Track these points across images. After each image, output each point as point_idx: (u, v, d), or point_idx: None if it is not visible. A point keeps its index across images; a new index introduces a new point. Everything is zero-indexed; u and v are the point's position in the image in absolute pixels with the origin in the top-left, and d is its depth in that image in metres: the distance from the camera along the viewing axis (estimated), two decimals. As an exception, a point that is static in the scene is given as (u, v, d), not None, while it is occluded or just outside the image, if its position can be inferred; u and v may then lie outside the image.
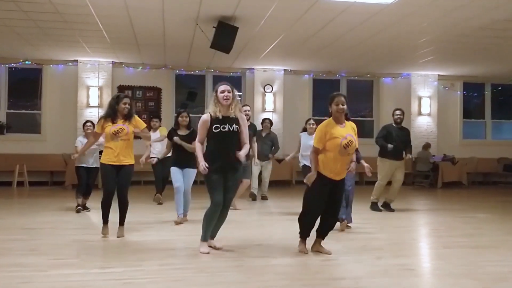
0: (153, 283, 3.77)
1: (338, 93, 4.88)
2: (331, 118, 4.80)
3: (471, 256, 4.77)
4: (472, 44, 10.45)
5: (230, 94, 4.78)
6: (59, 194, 10.40)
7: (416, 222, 7.06)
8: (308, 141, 7.59)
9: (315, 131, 7.62)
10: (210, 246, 4.90)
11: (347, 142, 4.65)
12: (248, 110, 8.27)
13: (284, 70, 13.75)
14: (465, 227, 6.60)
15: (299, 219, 4.91)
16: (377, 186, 8.15)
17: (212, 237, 5.00)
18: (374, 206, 8.14)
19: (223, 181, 4.78)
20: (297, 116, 13.06)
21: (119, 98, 5.64)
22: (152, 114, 11.15)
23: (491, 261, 4.55)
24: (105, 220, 5.53)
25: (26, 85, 13.41)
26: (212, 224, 4.85)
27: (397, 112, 8.46)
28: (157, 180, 9.24)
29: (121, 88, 13.05)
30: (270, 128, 10.07)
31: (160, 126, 9.70)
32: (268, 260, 4.52)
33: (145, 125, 5.96)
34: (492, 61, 12.30)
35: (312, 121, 7.86)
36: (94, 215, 6.98)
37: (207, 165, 4.65)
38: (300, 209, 4.82)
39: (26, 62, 12.61)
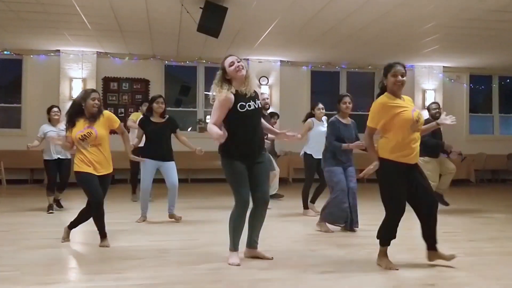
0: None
1: (398, 62, 4.05)
2: (385, 93, 3.97)
3: (502, 266, 3.96)
4: (481, 30, 9.72)
5: (241, 63, 3.97)
6: (36, 193, 9.59)
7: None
8: (318, 127, 6.91)
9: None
10: (256, 257, 4.11)
11: (418, 115, 3.85)
12: (267, 98, 7.87)
13: (281, 61, 12.95)
14: (486, 230, 5.79)
15: (382, 227, 4.01)
16: None
17: (254, 246, 4.15)
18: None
19: (251, 173, 3.96)
20: (295, 110, 12.22)
21: (87, 94, 4.69)
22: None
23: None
24: (104, 233, 4.66)
25: (5, 76, 12.60)
26: (240, 229, 4.00)
27: (433, 105, 7.57)
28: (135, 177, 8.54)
29: (107, 80, 12.26)
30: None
31: None
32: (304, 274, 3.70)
33: (119, 121, 4.95)
34: (500, 51, 11.59)
35: (321, 105, 7.16)
36: (67, 216, 6.06)
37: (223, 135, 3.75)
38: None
39: (5, 52, 11.81)
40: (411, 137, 3.84)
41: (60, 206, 7.28)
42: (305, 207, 6.97)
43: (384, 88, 4.00)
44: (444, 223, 6.35)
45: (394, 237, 3.95)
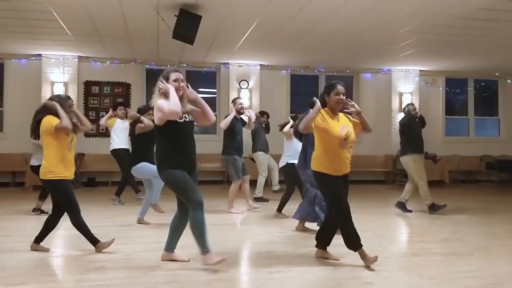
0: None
1: (338, 81, 4.37)
2: (325, 108, 4.29)
3: (441, 266, 4.23)
4: (454, 36, 9.99)
5: (184, 84, 4.12)
6: (16, 196, 9.76)
7: (388, 225, 6.51)
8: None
9: None
10: (174, 260, 4.24)
11: (347, 133, 4.19)
12: (243, 103, 8.03)
13: (260, 65, 13.19)
14: (442, 231, 6.06)
15: (342, 232, 4.25)
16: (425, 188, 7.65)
17: (173, 249, 4.29)
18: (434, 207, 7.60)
19: None
20: (275, 113, 12.43)
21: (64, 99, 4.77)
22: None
23: (462, 272, 4.02)
24: (95, 239, 4.67)
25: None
26: (205, 229, 4.02)
27: (411, 107, 8.14)
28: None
29: (88, 84, 12.43)
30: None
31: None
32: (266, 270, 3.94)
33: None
34: (475, 55, 11.88)
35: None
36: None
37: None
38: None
39: (-14, 56, 11.95)
40: (341, 153, 4.18)
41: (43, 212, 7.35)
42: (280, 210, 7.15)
43: (324, 103, 4.25)
44: (405, 224, 6.66)
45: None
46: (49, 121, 4.49)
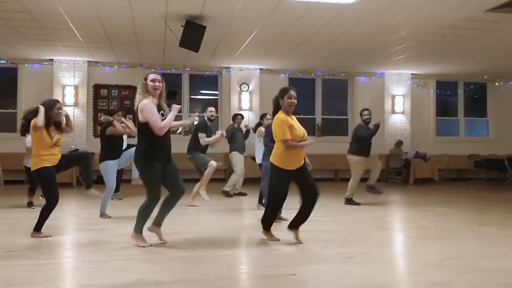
0: (97, 272, 3.89)
1: (291, 87, 5.05)
2: (280, 111, 4.91)
3: (413, 246, 4.95)
4: (444, 42, 10.68)
5: (161, 84, 4.72)
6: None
7: (374, 215, 7.19)
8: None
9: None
10: (157, 235, 4.89)
11: (304, 133, 4.86)
12: (214, 111, 8.52)
13: (260, 69, 13.91)
14: (421, 220, 6.78)
15: (265, 215, 5.02)
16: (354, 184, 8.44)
17: (159, 224, 4.91)
18: (350, 201, 8.39)
19: (167, 171, 4.72)
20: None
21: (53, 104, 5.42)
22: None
23: (429, 249, 4.71)
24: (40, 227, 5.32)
25: (2, 84, 13.46)
26: (147, 217, 4.79)
27: (365, 112, 8.67)
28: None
29: (97, 87, 13.15)
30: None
31: None
32: (213, 251, 4.65)
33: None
34: (465, 59, 12.56)
35: (269, 116, 7.78)
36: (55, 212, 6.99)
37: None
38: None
39: (2, 61, 12.65)
40: (300, 150, 4.86)
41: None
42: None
43: (279, 106, 4.94)
44: (389, 215, 7.38)
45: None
46: (33, 121, 5.26)
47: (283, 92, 4.95)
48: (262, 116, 7.99)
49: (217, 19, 8.93)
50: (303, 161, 4.95)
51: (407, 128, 14.55)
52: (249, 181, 11.85)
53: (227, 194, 9.63)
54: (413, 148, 14.26)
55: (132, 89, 13.36)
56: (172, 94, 13.44)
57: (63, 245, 5.03)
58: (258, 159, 7.81)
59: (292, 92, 4.93)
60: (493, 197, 10.35)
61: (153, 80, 4.68)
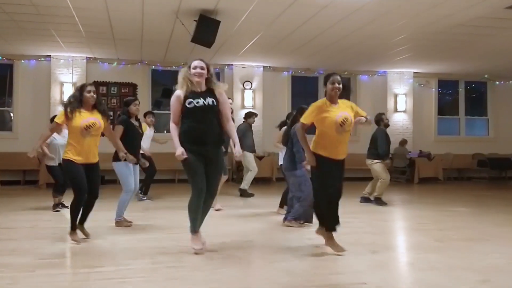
0: (148, 282, 3.60)
1: (334, 72, 4.75)
2: (324, 98, 4.69)
3: (465, 249, 4.77)
4: (447, 42, 10.61)
5: (204, 71, 4.53)
6: (33, 193, 10.06)
7: (400, 216, 7.07)
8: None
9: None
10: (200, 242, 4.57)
11: (343, 120, 4.55)
12: (231, 103, 7.93)
13: (263, 66, 13.66)
14: (450, 221, 6.64)
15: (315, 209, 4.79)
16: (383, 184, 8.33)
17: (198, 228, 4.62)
18: (379, 201, 8.31)
19: (204, 165, 4.47)
20: (276, 112, 12.96)
21: (83, 87, 5.15)
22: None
23: (485, 253, 4.55)
24: (75, 226, 5.01)
25: (-3, 80, 12.97)
26: (198, 213, 4.49)
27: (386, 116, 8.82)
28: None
29: (96, 84, 12.50)
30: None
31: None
32: (264, 257, 4.40)
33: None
34: (466, 58, 12.51)
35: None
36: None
37: (183, 150, 4.35)
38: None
39: (-3, 57, 12.19)
40: (338, 138, 4.58)
41: (64, 206, 7.66)
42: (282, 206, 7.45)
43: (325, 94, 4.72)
44: (414, 215, 7.22)
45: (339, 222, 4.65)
46: None
47: (327, 77, 4.69)
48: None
49: (230, 14, 8.65)
50: (343, 155, 4.70)
51: (409, 127, 14.47)
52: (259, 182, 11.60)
53: (245, 193, 9.32)
54: (415, 147, 14.18)
55: (132, 86, 13.02)
56: (166, 93, 13.13)
57: (97, 251, 4.68)
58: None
59: (335, 77, 4.65)
60: (505, 196, 10.31)
61: (194, 67, 4.51)
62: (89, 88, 5.13)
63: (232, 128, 4.64)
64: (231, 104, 7.75)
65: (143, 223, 6.22)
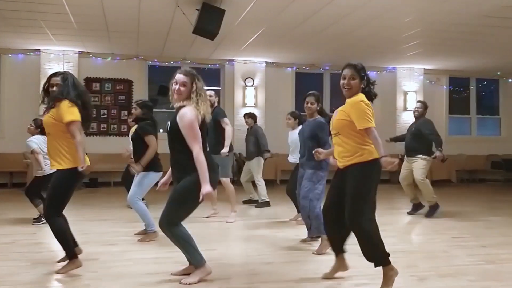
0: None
1: (347, 64, 3.96)
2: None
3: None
4: (460, 35, 9.96)
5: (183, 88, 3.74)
6: (19, 198, 9.22)
7: (433, 228, 6.28)
8: (291, 136, 6.88)
9: (291, 125, 6.91)
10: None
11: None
12: (211, 96, 7.07)
13: (266, 62, 12.90)
14: (491, 233, 5.90)
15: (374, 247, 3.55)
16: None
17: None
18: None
19: None
20: (280, 111, 12.18)
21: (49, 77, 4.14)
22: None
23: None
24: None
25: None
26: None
27: (417, 104, 7.96)
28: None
29: (88, 81, 11.92)
30: (255, 122, 9.15)
31: None
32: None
33: (70, 118, 3.87)
34: (478, 54, 11.90)
35: (288, 115, 7.01)
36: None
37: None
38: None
39: (-18, 51, 11.35)
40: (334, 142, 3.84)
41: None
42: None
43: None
44: (449, 227, 6.44)
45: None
46: None
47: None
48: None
49: (234, 4, 7.89)
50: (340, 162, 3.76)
51: (420, 126, 13.73)
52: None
53: (266, 204, 8.50)
54: (426, 147, 13.46)
55: (127, 83, 12.23)
56: (163, 90, 12.36)
57: (85, 278, 3.91)
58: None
59: (345, 71, 3.90)
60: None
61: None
62: (52, 80, 4.09)
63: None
64: (213, 96, 7.15)
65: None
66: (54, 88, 4.01)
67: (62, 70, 4.58)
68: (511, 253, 4.80)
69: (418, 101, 8.22)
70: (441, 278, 3.87)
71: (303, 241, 5.27)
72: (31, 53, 11.50)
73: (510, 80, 14.53)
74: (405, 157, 7.78)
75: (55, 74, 4.14)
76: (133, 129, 6.56)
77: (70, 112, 3.85)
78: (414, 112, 7.84)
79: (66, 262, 3.93)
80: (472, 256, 4.59)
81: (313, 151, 4.47)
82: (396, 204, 8.93)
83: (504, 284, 3.71)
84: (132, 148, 5.72)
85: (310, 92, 5.63)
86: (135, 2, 7.89)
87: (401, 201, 8.81)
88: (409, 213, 7.50)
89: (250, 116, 9.13)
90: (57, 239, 3.87)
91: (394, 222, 6.75)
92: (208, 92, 6.72)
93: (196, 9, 7.69)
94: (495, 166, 13.39)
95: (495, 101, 15.03)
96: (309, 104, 5.39)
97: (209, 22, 7.68)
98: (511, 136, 14.59)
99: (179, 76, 3.75)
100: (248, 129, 9.05)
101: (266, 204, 8.42)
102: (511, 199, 9.91)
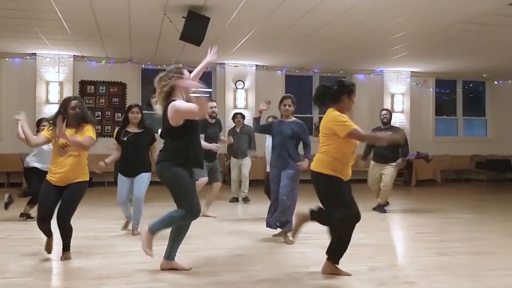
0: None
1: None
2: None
3: (473, 265, 4.38)
4: (446, 39, 10.29)
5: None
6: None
7: (401, 224, 6.68)
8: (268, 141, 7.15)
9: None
10: (175, 269, 4.11)
11: None
12: (215, 107, 7.47)
13: (256, 65, 13.27)
14: (455, 230, 6.26)
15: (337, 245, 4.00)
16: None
17: (173, 258, 4.16)
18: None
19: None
20: (270, 113, 12.47)
21: (67, 102, 4.54)
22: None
23: (496, 269, 4.18)
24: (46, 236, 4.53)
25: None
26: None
27: (383, 112, 8.19)
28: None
29: (83, 83, 12.30)
30: (243, 122, 9.55)
31: None
32: (250, 274, 4.01)
33: (95, 138, 4.57)
34: (464, 57, 12.22)
35: (270, 119, 7.37)
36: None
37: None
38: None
39: (-20, 55, 11.72)
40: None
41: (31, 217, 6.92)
42: None
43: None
44: (416, 224, 6.84)
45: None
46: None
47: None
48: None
49: (220, 11, 8.25)
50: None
51: (407, 127, 14.05)
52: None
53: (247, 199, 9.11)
54: (412, 148, 13.76)
55: (121, 85, 12.60)
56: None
57: (69, 269, 4.28)
58: None
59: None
60: (507, 200, 9.96)
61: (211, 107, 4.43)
62: (73, 103, 4.52)
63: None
64: (215, 107, 7.46)
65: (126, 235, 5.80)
66: (77, 110, 4.50)
67: (74, 95, 5.12)
68: (467, 247, 5.15)
69: (385, 109, 8.45)
70: (390, 268, 4.24)
71: (276, 235, 5.60)
72: (28, 57, 11.89)
73: (496, 82, 14.88)
74: (374, 162, 8.05)
75: (71, 99, 4.59)
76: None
77: (95, 133, 4.57)
78: (382, 119, 8.09)
79: (66, 252, 4.51)
80: (428, 249, 4.96)
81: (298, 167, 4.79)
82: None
83: (444, 273, 4.06)
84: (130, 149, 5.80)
85: (286, 95, 6.01)
86: (125, 9, 8.25)
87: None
88: (374, 209, 7.91)
89: (242, 116, 9.55)
90: (70, 236, 4.48)
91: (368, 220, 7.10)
92: (211, 104, 7.31)
93: (183, 17, 8.06)
94: (479, 166, 13.75)
95: (482, 103, 15.38)
96: (287, 106, 5.74)
97: (194, 29, 8.06)
98: (497, 137, 14.94)
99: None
100: (240, 128, 9.37)
101: (248, 199, 9.04)
102: (490, 198, 10.26)
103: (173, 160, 3.98)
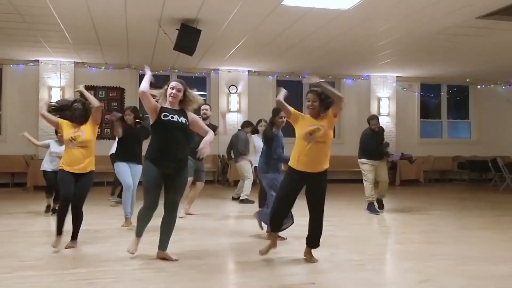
0: (115, 283, 3.89)
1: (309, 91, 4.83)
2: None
3: (419, 251, 5.07)
4: (428, 47, 10.89)
5: (180, 93, 4.66)
6: (19, 196, 10.29)
7: (373, 219, 7.35)
8: (260, 142, 7.35)
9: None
10: (164, 259, 4.63)
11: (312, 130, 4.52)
12: (207, 110, 7.80)
13: (249, 71, 13.95)
14: (420, 224, 6.93)
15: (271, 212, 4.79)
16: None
17: (164, 248, 4.67)
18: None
19: (166, 181, 4.58)
20: (262, 116, 13.11)
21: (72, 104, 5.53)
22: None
23: (436, 255, 4.85)
24: (58, 231, 5.08)
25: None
26: (146, 223, 4.67)
27: (374, 121, 8.72)
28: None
29: (84, 88, 12.92)
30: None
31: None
32: (226, 260, 4.67)
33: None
34: (448, 62, 12.79)
35: (263, 122, 7.74)
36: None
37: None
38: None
39: (-15, 62, 12.39)
40: (309, 147, 4.53)
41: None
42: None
43: None
44: (387, 219, 7.52)
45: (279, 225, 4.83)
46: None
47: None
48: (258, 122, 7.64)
49: (211, 23, 8.92)
50: (318, 169, 4.53)
51: (392, 130, 14.77)
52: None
53: (247, 201, 9.47)
54: (398, 149, 14.49)
55: (119, 90, 13.27)
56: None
57: (74, 255, 4.95)
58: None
59: (308, 94, 4.84)
60: (481, 198, 10.63)
61: (172, 87, 4.67)
62: (74, 105, 5.46)
63: (211, 133, 4.82)
64: (209, 110, 7.99)
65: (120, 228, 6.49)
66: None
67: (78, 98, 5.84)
68: (422, 238, 5.83)
69: (375, 117, 8.96)
70: (349, 253, 4.93)
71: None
72: (31, 64, 12.57)
73: (479, 86, 15.55)
74: (371, 160, 8.51)
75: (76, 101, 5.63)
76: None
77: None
78: (375, 129, 8.60)
79: (73, 241, 5.21)
80: (387, 239, 5.66)
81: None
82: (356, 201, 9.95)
83: (392, 258, 4.79)
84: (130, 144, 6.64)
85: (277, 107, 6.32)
86: (122, 22, 8.92)
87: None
88: (380, 208, 8.34)
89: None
90: (80, 223, 5.24)
91: (342, 215, 7.78)
92: (204, 106, 7.72)
93: (176, 29, 8.74)
94: (461, 166, 14.42)
95: (466, 106, 16.06)
96: (283, 118, 5.89)
97: (187, 41, 8.74)
98: (480, 138, 15.60)
99: (175, 83, 4.75)
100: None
101: (249, 201, 9.41)
102: (467, 197, 10.91)
103: (146, 155, 4.66)
